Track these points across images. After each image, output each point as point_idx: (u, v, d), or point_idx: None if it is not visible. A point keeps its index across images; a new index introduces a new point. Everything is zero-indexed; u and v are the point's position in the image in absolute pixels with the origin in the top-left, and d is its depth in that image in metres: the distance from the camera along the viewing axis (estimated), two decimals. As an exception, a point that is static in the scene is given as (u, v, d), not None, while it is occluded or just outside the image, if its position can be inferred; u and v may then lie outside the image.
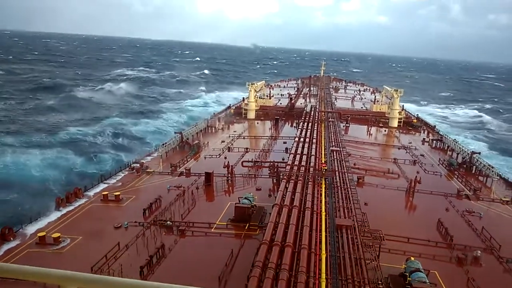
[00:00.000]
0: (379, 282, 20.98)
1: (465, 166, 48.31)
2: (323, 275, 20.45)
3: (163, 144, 49.90)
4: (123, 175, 41.94)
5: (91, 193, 36.71)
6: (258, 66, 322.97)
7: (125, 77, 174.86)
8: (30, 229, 29.16)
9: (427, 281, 21.25)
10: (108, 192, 35.49)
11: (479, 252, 26.14)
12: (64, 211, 32.61)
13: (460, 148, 53.07)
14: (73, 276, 2.35)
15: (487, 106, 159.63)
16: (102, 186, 38.49)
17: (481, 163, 46.20)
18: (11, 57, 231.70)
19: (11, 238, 27.33)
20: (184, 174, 42.19)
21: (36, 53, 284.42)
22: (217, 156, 49.35)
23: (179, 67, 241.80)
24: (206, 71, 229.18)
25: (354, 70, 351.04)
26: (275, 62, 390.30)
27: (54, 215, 31.89)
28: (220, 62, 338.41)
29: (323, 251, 22.96)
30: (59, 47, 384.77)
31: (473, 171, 47.19)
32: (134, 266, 23.19)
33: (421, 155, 53.57)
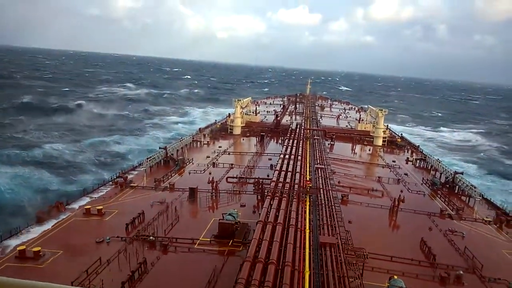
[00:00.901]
0: None
1: (448, 185, 48.98)
2: (307, 280, 20.22)
3: (147, 159, 49.29)
4: (106, 189, 41.19)
5: (73, 206, 35.90)
6: (248, 85, 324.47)
7: (109, 94, 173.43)
8: (9, 243, 28.22)
9: None
10: (90, 206, 34.73)
11: (461, 271, 26.25)
12: (45, 224, 31.75)
13: (443, 168, 53.90)
14: None
15: (476, 126, 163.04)
16: (85, 199, 37.69)
17: (463, 183, 46.88)
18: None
19: None
20: (168, 189, 41.62)
21: (20, 69, 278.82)
22: (202, 172, 48.95)
23: (167, 84, 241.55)
24: (195, 90, 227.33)
25: (342, 89, 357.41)
26: (265, 81, 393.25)
27: (35, 229, 31.01)
28: (210, 79, 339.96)
29: (307, 269, 22.71)
30: (44, 62, 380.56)
31: (456, 191, 47.81)
32: (115, 281, 22.55)
33: (405, 174, 54.19)
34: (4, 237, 29.01)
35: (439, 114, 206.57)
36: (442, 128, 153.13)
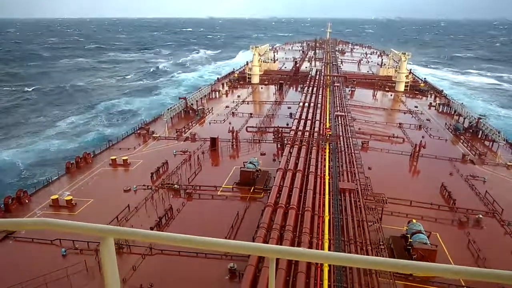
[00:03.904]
0: (381, 243, 21.52)
1: (471, 130, 47.99)
2: (326, 236, 20.99)
3: (168, 109, 49.85)
4: (130, 140, 42.44)
5: (100, 157, 37.46)
6: (256, 35, 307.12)
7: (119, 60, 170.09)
8: (43, 192, 30.01)
9: (428, 242, 21.74)
10: (116, 157, 36.08)
11: (481, 215, 26.54)
12: (75, 175, 33.45)
13: (467, 112, 52.46)
14: (112, 229, 2.83)
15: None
16: (110, 151, 39.14)
17: (487, 127, 45.77)
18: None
19: (26, 201, 28.30)
20: (190, 139, 42.48)
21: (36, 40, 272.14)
22: (222, 122, 49.39)
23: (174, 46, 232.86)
24: (202, 51, 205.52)
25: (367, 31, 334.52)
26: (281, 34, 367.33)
27: (65, 179, 32.75)
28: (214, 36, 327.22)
29: (326, 214, 23.44)
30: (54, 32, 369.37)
31: (480, 136, 46.91)
32: (144, 227, 23.82)
33: (427, 119, 53.20)
34: (38, 186, 30.82)
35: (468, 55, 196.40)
36: (470, 71, 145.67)
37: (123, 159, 35.60)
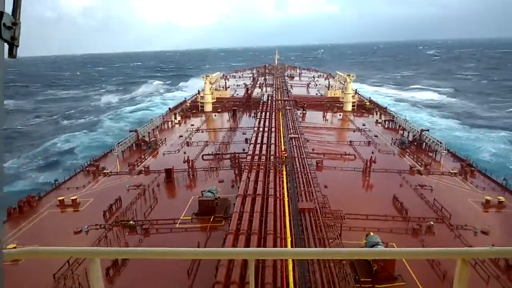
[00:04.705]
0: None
1: (415, 143, 51.03)
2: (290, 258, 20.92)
3: (118, 143, 48.24)
4: (78, 178, 40.32)
5: (46, 199, 34.93)
6: (208, 66, 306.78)
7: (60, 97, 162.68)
8: None
9: None
10: (64, 197, 33.92)
11: (432, 222, 27.90)
12: (18, 220, 30.82)
13: (410, 126, 55.89)
14: (97, 250, 3.09)
15: (436, 83, 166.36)
16: (57, 191, 36.80)
17: (430, 139, 48.92)
18: None
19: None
20: (143, 172, 41.22)
21: None
22: (176, 152, 48.60)
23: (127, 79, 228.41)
24: (154, 82, 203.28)
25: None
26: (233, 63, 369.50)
27: (7, 226, 30.06)
28: (167, 68, 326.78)
29: (288, 235, 23.48)
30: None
31: (423, 147, 49.92)
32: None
33: (375, 136, 55.86)
34: None
35: (406, 73, 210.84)
36: (411, 86, 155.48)
37: (72, 199, 33.48)
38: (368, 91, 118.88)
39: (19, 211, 32.05)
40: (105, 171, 41.78)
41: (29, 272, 22.59)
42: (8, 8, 2.32)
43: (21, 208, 32.27)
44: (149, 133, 57.15)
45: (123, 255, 3.07)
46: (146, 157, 47.00)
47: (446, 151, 45.76)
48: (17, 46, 2.36)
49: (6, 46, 2.30)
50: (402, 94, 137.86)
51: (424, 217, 28.90)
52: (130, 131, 55.12)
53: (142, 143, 52.47)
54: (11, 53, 2.35)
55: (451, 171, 40.41)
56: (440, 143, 46.23)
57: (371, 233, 24.63)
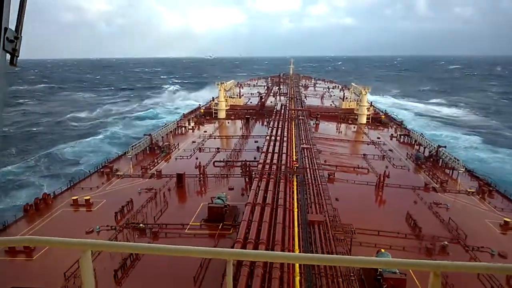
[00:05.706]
0: (351, 274, 21.27)
1: (432, 159, 49.94)
2: (297, 270, 20.55)
3: (132, 147, 48.73)
4: (93, 179, 40.79)
5: (60, 198, 35.55)
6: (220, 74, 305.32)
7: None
8: None
9: (397, 271, 21.73)
10: (78, 197, 34.41)
11: (446, 242, 27.06)
12: (33, 217, 31.49)
13: (426, 142, 54.78)
14: (90, 242, 3.24)
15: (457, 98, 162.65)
16: (72, 190, 37.33)
17: (447, 156, 47.76)
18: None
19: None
20: (155, 176, 41.40)
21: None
22: (188, 157, 48.74)
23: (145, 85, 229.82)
24: (172, 87, 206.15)
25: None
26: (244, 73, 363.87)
27: (23, 223, 30.62)
28: (185, 74, 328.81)
29: (296, 247, 23.12)
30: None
31: (440, 164, 48.80)
32: (108, 270, 22.58)
33: (389, 150, 54.99)
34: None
35: (427, 88, 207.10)
36: (432, 100, 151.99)
37: (85, 199, 33.96)
38: (386, 103, 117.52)
39: (35, 208, 32.75)
40: (118, 173, 42.19)
41: (41, 269, 23.18)
42: (12, 25, 2.73)
43: (37, 205, 33.00)
44: (162, 137, 57.60)
45: (113, 249, 3.28)
46: (159, 161, 47.26)
47: (463, 169, 44.48)
48: (17, 57, 2.78)
49: (8, 56, 2.71)
50: (421, 108, 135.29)
51: (438, 236, 28.06)
52: (144, 135, 55.70)
53: (156, 147, 52.84)
54: (12, 62, 2.77)
55: (468, 190, 39.29)
56: (458, 160, 45.08)
57: (382, 250, 24.05)
